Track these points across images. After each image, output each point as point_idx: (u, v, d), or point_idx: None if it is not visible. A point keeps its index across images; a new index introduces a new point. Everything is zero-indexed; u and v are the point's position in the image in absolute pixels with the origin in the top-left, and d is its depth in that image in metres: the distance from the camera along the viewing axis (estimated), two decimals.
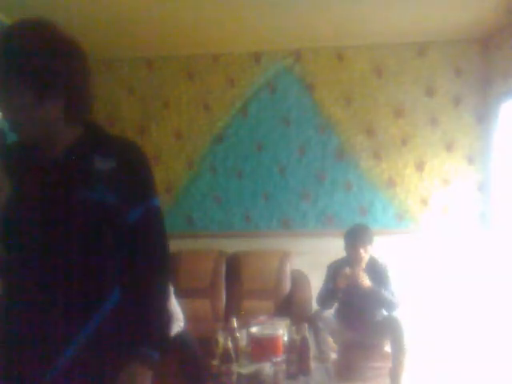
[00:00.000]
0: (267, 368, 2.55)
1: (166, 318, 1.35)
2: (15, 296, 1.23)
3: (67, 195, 1.23)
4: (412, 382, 3.36)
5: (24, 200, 1.17)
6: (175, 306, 3.26)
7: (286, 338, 2.77)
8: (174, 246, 3.77)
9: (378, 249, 3.56)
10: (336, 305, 3.59)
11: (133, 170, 1.30)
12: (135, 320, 1.27)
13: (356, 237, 3.45)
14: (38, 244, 1.22)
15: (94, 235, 1.24)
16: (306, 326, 2.69)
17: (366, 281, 3.34)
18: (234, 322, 2.96)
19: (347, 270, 3.34)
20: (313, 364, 2.60)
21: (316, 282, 3.73)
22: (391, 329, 3.28)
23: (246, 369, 2.61)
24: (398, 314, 3.43)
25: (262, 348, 2.75)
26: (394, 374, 3.21)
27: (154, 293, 1.31)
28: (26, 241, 1.22)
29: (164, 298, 1.35)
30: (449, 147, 4.39)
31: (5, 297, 1.25)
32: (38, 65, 1.16)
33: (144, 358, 1.26)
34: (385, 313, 3.48)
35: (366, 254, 3.44)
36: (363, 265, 3.42)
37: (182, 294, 3.49)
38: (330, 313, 3.56)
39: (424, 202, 4.43)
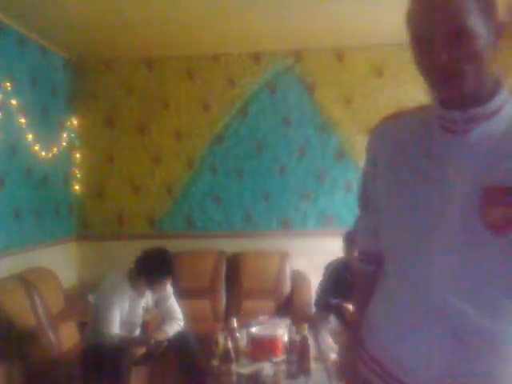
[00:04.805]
0: (267, 368, 2.55)
1: None
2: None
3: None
4: None
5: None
6: (175, 305, 3.26)
7: (286, 338, 2.77)
8: (174, 246, 3.82)
9: None
10: None
11: None
12: None
13: (351, 240, 3.45)
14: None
15: None
16: (306, 326, 2.69)
17: None
18: (234, 322, 2.96)
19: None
20: (313, 364, 2.60)
21: (316, 282, 3.73)
22: None
23: (246, 369, 2.61)
24: None
25: (262, 348, 2.75)
26: None
27: None
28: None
29: None
30: None
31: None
32: None
33: None
34: None
35: None
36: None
37: (182, 294, 3.49)
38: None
39: None
